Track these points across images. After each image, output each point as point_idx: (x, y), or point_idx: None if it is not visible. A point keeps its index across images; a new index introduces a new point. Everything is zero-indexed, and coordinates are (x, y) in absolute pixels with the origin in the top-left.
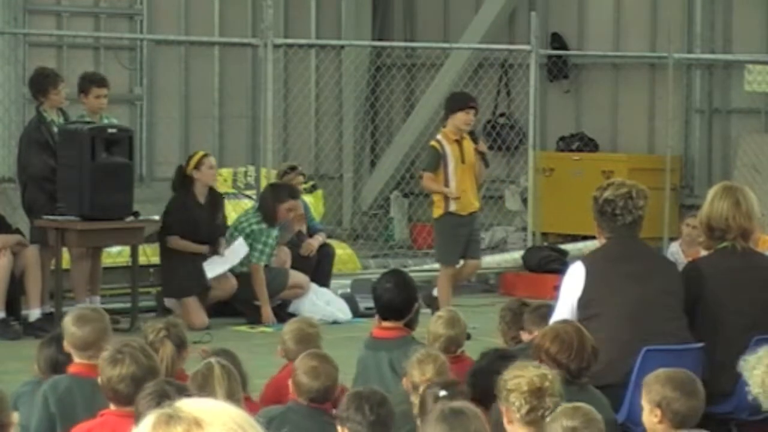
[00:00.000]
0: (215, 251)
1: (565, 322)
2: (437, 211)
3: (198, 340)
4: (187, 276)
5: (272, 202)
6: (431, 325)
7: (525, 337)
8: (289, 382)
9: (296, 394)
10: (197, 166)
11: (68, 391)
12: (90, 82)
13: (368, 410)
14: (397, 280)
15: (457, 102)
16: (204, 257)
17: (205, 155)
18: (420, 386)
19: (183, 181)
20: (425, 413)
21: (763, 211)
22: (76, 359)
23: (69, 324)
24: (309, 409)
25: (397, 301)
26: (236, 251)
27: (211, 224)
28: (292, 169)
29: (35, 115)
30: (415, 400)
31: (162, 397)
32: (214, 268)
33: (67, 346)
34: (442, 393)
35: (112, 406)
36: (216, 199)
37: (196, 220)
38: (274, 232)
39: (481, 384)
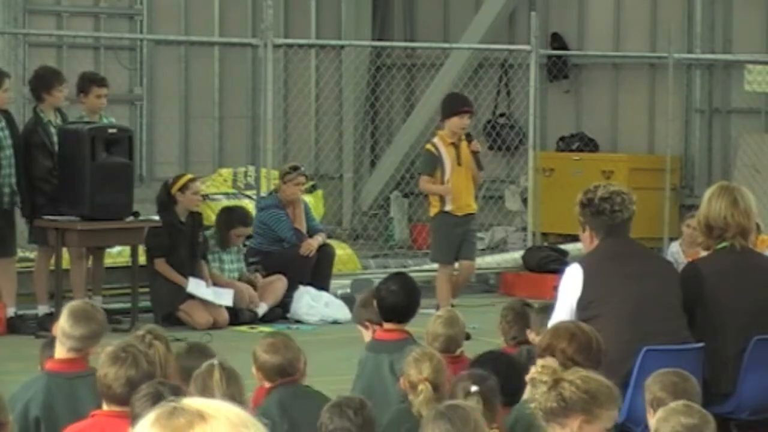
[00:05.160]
0: (196, 274)
1: (574, 322)
2: (433, 210)
3: (198, 340)
4: (171, 296)
5: (224, 227)
6: (430, 324)
7: (532, 337)
8: (253, 370)
9: (265, 378)
10: (182, 189)
11: (47, 391)
12: (91, 81)
13: (353, 414)
14: (402, 283)
15: (452, 106)
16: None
17: (192, 179)
18: (417, 385)
19: (167, 198)
20: None
21: (762, 212)
22: (57, 352)
23: (67, 312)
24: (290, 386)
25: (402, 304)
26: (222, 296)
27: (191, 243)
28: (294, 169)
29: (32, 116)
30: (413, 399)
31: (157, 398)
32: (199, 289)
33: (59, 337)
34: (474, 388)
35: (104, 405)
36: (196, 219)
37: (177, 238)
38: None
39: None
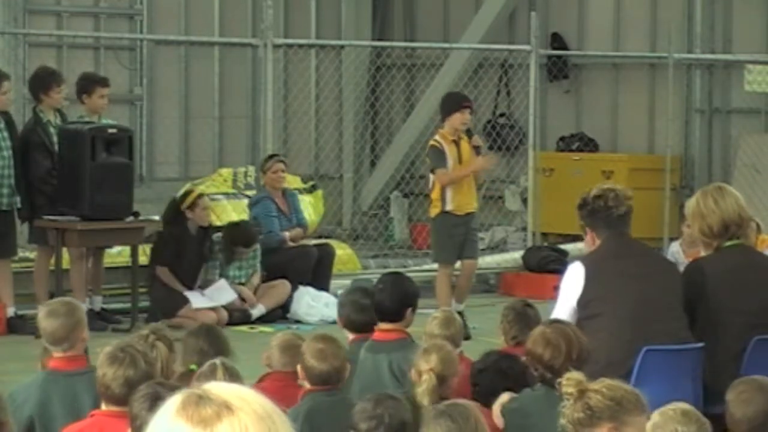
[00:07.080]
0: (194, 287)
1: (553, 322)
2: (434, 210)
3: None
4: (169, 302)
5: (229, 243)
6: (427, 325)
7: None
8: (298, 368)
9: (308, 380)
10: (191, 207)
11: (43, 390)
12: (94, 82)
13: (387, 418)
14: (390, 282)
15: (451, 103)
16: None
17: (200, 196)
18: (423, 375)
19: (176, 215)
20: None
21: (762, 212)
22: (54, 354)
23: (41, 319)
24: (328, 394)
25: (387, 303)
26: (221, 292)
27: (199, 254)
28: (271, 157)
29: (32, 116)
30: (419, 389)
31: (155, 399)
32: (200, 303)
33: (42, 341)
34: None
35: (103, 405)
36: (207, 231)
37: (185, 250)
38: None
39: (484, 384)
